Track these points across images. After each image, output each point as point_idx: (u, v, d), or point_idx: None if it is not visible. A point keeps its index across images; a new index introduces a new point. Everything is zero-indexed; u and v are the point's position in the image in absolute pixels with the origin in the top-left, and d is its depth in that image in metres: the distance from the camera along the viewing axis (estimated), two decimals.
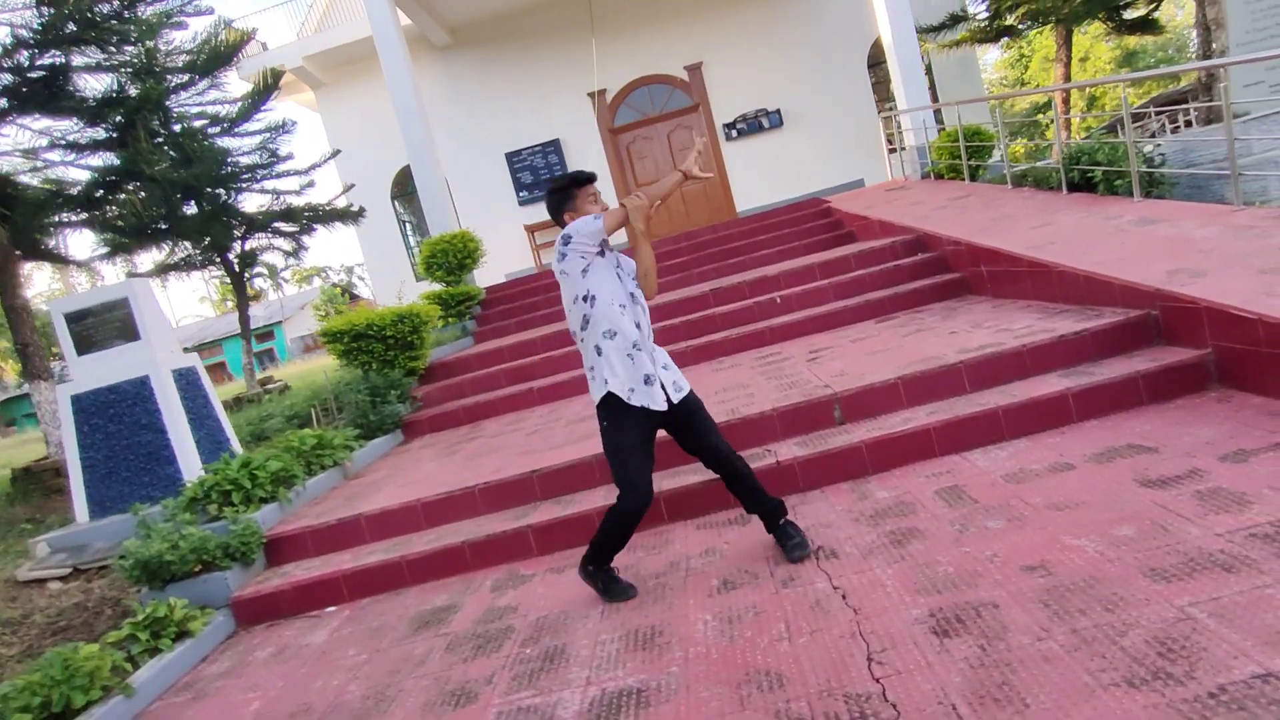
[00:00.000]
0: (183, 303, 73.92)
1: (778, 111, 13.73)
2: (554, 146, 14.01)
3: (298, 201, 9.24)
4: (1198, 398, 3.57)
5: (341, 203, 10.25)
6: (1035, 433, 3.65)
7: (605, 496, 3.92)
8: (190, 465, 5.14)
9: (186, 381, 5.44)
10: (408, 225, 14.99)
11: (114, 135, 6.84)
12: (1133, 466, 3.04)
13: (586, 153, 13.99)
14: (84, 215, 7.00)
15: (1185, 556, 2.32)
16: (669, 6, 13.61)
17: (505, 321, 9.22)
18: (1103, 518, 2.69)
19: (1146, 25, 12.55)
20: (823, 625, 2.48)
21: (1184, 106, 11.45)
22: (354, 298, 40.85)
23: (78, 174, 7.92)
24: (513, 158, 14.09)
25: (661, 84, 13.99)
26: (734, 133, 13.83)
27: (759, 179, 13.80)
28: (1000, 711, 1.87)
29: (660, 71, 13.89)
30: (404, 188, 14.36)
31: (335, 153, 10.88)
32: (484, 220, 13.36)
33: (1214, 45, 6.88)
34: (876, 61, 13.25)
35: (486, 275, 11.78)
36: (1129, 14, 12.04)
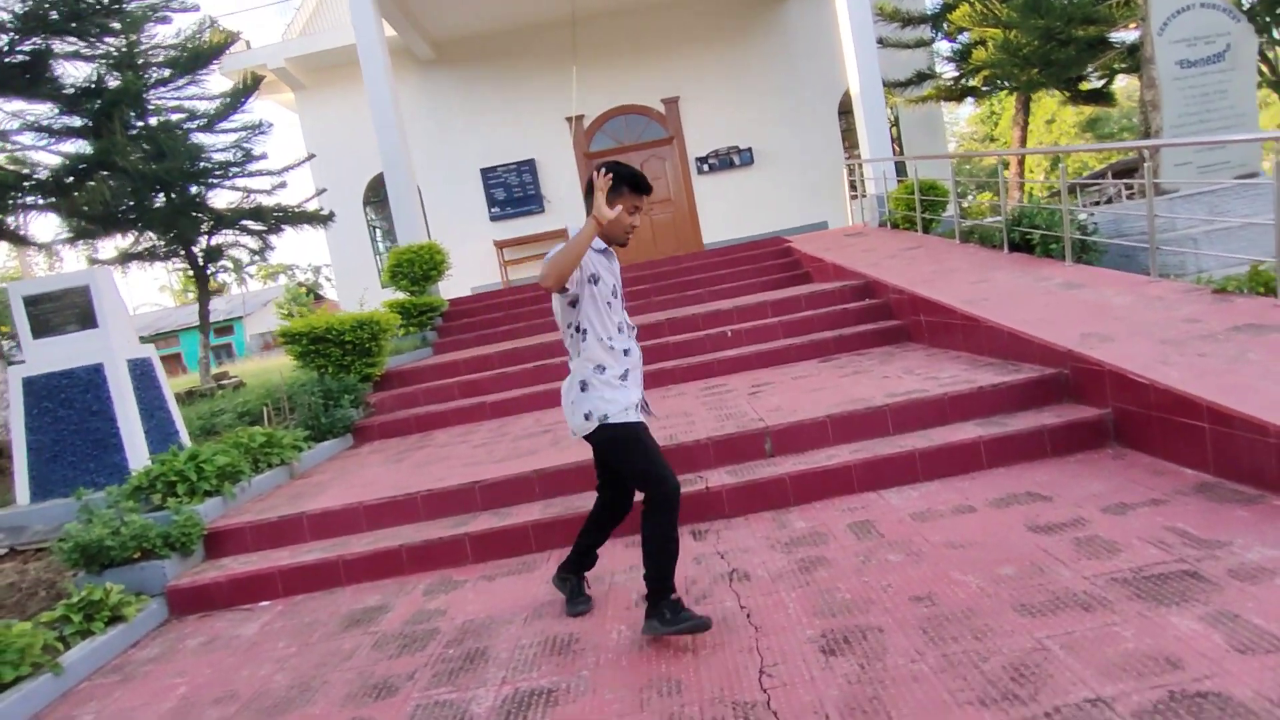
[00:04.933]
0: (142, 290, 72.42)
1: (749, 150, 14.16)
2: (529, 166, 14.25)
3: (268, 201, 9.31)
4: (1095, 453, 3.87)
5: (313, 205, 10.32)
6: (947, 476, 3.92)
7: (542, 510, 4.09)
8: (138, 455, 5.18)
9: (141, 372, 5.49)
10: (378, 231, 15.06)
11: (89, 124, 6.89)
12: (1026, 513, 3.30)
13: (561, 175, 14.26)
14: (51, 199, 7.00)
15: (1053, 595, 2.57)
16: (651, 40, 14.01)
17: (465, 335, 9.35)
18: (990, 557, 2.94)
19: (1100, 97, 13.25)
20: (725, 640, 2.67)
21: (1135, 179, 12.08)
22: (319, 298, 40.42)
23: (47, 158, 7.92)
24: (487, 174, 14.29)
25: (638, 114, 14.35)
26: (706, 167, 14.21)
27: (727, 214, 14.19)
28: None
29: (638, 102, 14.26)
30: (377, 194, 14.45)
31: (310, 156, 10.98)
32: (454, 233, 13.53)
33: (1151, 125, 7.36)
34: (846, 110, 13.76)
35: (452, 287, 11.91)
36: (1085, 85, 12.71)
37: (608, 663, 2.67)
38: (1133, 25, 10.11)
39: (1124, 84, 19.78)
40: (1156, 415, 3.64)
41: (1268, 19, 10.75)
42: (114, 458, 5.21)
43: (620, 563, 3.59)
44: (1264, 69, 12.44)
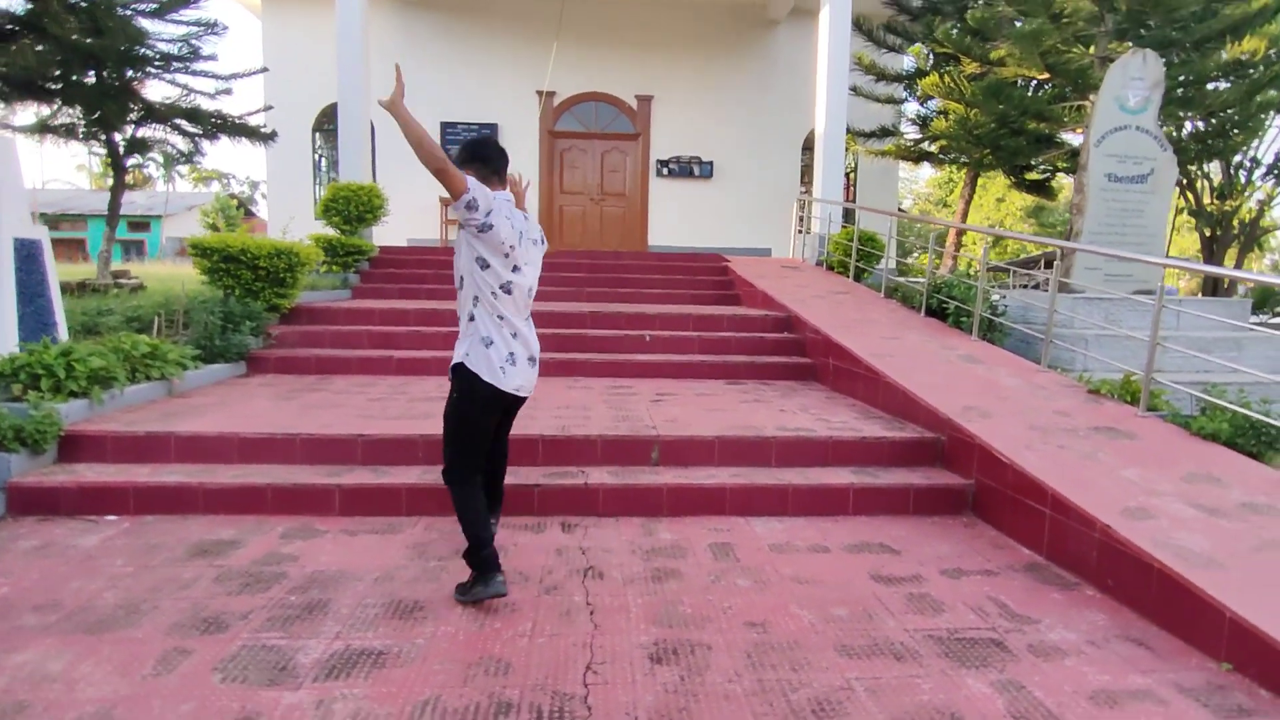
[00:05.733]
0: (58, 165, 67.43)
1: (710, 163, 14.34)
2: (491, 130, 14.02)
3: (208, 104, 8.89)
4: (950, 519, 4.12)
5: (257, 120, 9.91)
6: (813, 515, 4.10)
7: (420, 475, 4.07)
8: (6, 339, 4.87)
9: (27, 253, 5.17)
10: (322, 161, 14.57)
11: None
12: (874, 562, 3.50)
13: (521, 146, 14.09)
14: None
15: (873, 641, 2.74)
16: (636, 34, 14.02)
17: (388, 285, 9.17)
18: (829, 596, 3.11)
19: (1042, 188, 13.99)
20: (563, 632, 2.74)
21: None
22: (250, 214, 38.72)
23: None
24: (447, 128, 14.01)
25: (609, 104, 14.33)
26: (665, 170, 14.32)
27: (676, 220, 14.34)
28: None
29: (611, 92, 14.24)
30: (328, 123, 13.97)
31: (262, 69, 10.52)
32: (400, 180, 13.16)
33: (1074, 227, 7.84)
34: (809, 146, 14.10)
35: (387, 235, 11.63)
36: (1030, 175, 13.40)
37: (445, 635, 2.70)
38: (1079, 130, 10.72)
39: (1068, 180, 20.91)
40: (1009, 494, 3.91)
41: (1198, 149, 11.56)
42: None
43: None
44: (1189, 196, 13.39)
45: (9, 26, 6.45)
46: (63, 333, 5.37)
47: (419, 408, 5.09)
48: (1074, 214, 7.83)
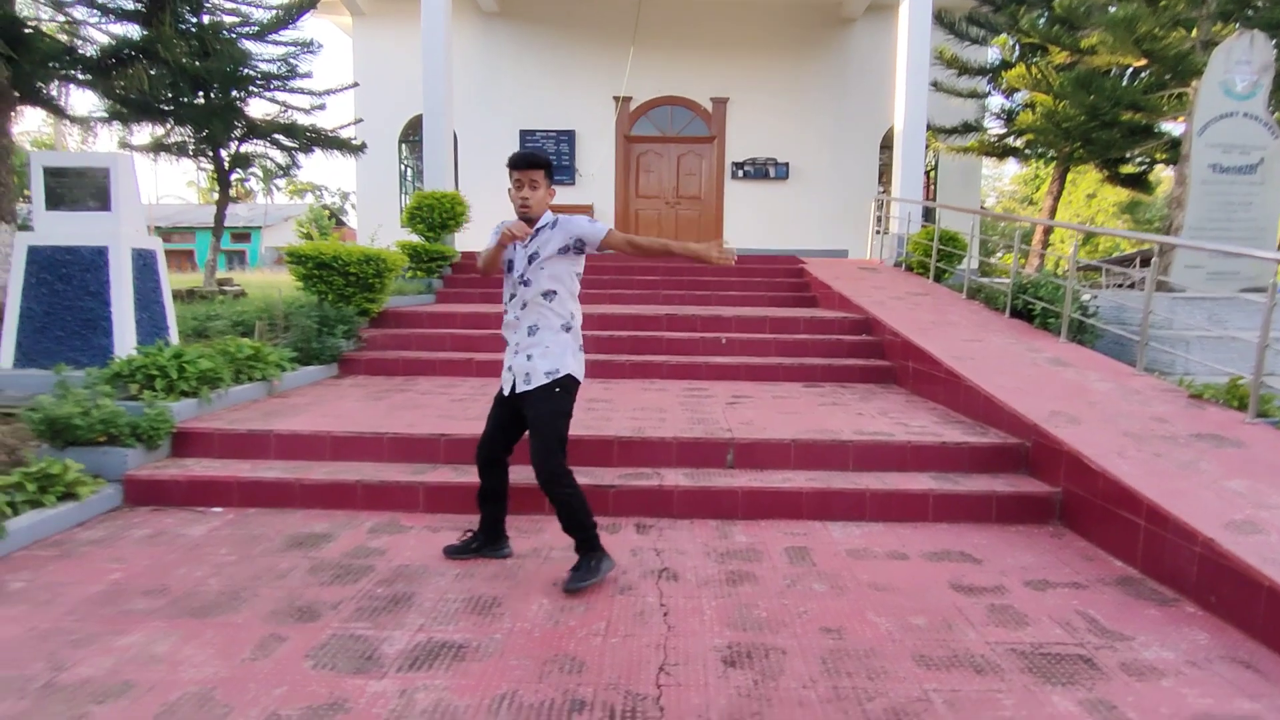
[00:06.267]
0: (171, 182, 72.38)
1: (786, 165, 14.19)
2: (568, 136, 14.28)
3: (304, 119, 9.37)
4: (1036, 528, 3.97)
5: (348, 133, 10.38)
6: (891, 520, 4.02)
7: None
8: (125, 342, 5.28)
9: (144, 263, 5.59)
10: (408, 171, 15.12)
11: (141, 10, 6.92)
12: (955, 571, 3.40)
13: (597, 151, 14.30)
14: (91, 77, 7.06)
15: (952, 652, 2.67)
16: (711, 37, 14.01)
17: (470, 289, 9.44)
18: (908, 605, 3.04)
19: (1139, 182, 13.26)
20: (636, 632, 2.78)
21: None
22: (340, 224, 40.49)
23: (97, 35, 7.96)
24: (526, 136, 14.32)
25: (685, 108, 14.36)
26: (740, 173, 14.25)
27: (751, 223, 14.24)
28: None
29: (687, 96, 14.27)
30: (414, 134, 14.49)
31: (354, 84, 11.03)
32: (482, 187, 13.55)
33: (1174, 222, 7.41)
34: (887, 145, 13.78)
35: (469, 240, 11.97)
36: (1125, 169, 12.72)
37: (522, 631, 2.78)
38: (1180, 119, 10.12)
39: (1169, 173, 19.74)
40: (1100, 503, 3.73)
41: None
42: (101, 340, 5.31)
43: (562, 541, 3.68)
44: None
45: (126, 52, 7.00)
46: (174, 336, 5.76)
47: None
48: (1174, 208, 7.40)
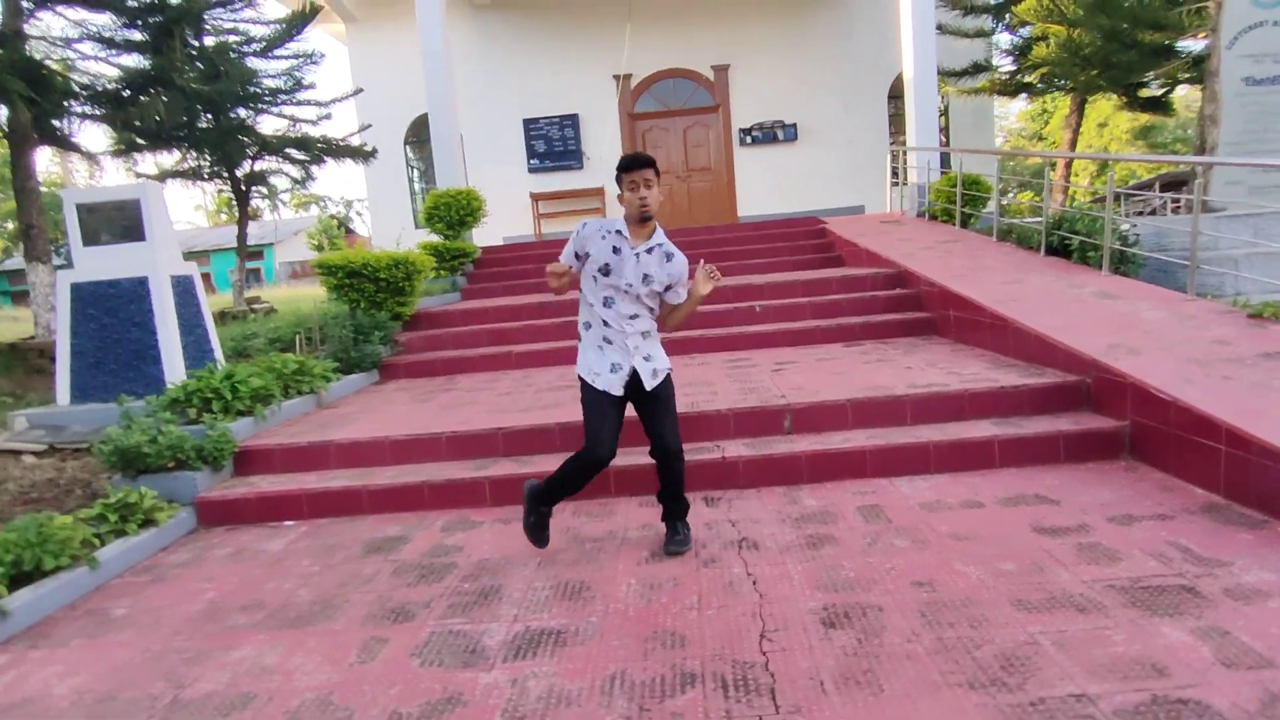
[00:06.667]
0: (177, 208, 72.97)
1: (794, 126, 14.01)
2: (572, 121, 14.20)
3: (313, 131, 9.39)
4: (1108, 464, 3.92)
5: (356, 140, 10.38)
6: (958, 470, 3.99)
7: (560, 462, 4.19)
8: (174, 369, 5.36)
9: (183, 288, 5.65)
10: (415, 172, 15.12)
11: (148, 39, 6.96)
12: (1033, 514, 3.38)
13: (603, 133, 14.20)
14: (104, 111, 7.12)
15: (1049, 594, 2.66)
16: (706, 4, 13.81)
17: (494, 284, 9.46)
18: (993, 552, 3.02)
19: (1159, 105, 12.95)
20: (730, 603, 2.79)
21: (1179, 194, 11.86)
22: (349, 232, 40.67)
23: (105, 69, 8.00)
24: (530, 124, 14.26)
25: (686, 79, 14.21)
26: (749, 139, 14.10)
27: (764, 188, 14.11)
28: (859, 692, 2.19)
29: (687, 66, 14.11)
30: (418, 135, 14.49)
31: (358, 91, 11.01)
32: (492, 180, 13.54)
33: (1207, 140, 7.23)
34: (896, 95, 13.56)
35: (485, 235, 11.98)
36: (1144, 92, 12.42)
37: (616, 612, 2.80)
38: (1201, 35, 9.84)
39: (1183, 94, 19.26)
40: (1174, 432, 3.68)
41: None
42: (152, 369, 5.39)
43: (634, 520, 3.72)
44: None
45: (140, 82, 7.03)
46: (220, 358, 5.83)
47: (547, 398, 5.25)
48: (1206, 125, 7.22)
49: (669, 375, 3.33)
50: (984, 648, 2.36)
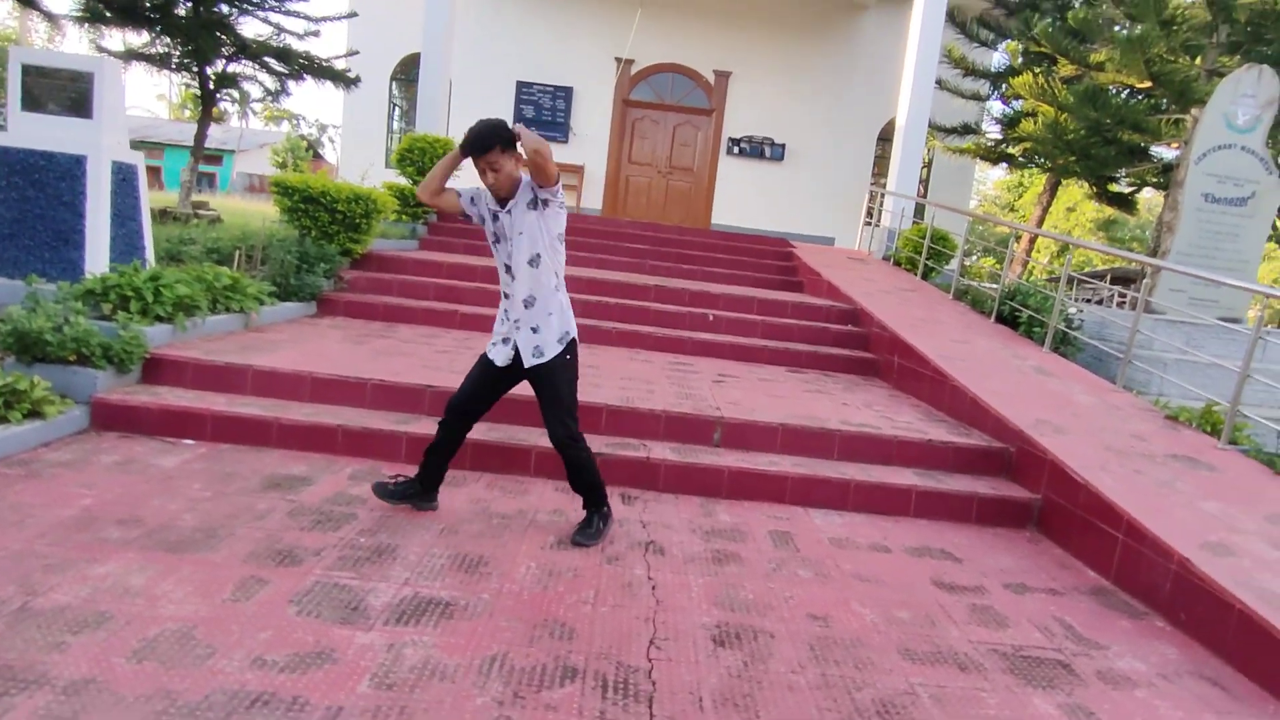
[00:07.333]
0: (138, 93, 69.20)
1: (783, 146, 14.10)
2: (565, 93, 13.99)
3: (297, 45, 8.99)
4: (1014, 532, 4.03)
5: (341, 64, 10.00)
6: (873, 513, 4.04)
7: (486, 432, 4.11)
8: (97, 258, 5.05)
9: (123, 177, 5.33)
10: (397, 110, 14.69)
11: None
12: (936, 567, 3.44)
13: (594, 111, 14.04)
14: None
15: (936, 648, 2.70)
16: (719, 8, 13.76)
17: (455, 239, 9.23)
18: (892, 598, 3.07)
19: (1125, 202, 13.46)
20: (625, 603, 2.76)
21: (1126, 289, 12.35)
22: (317, 156, 39.35)
23: None
24: (523, 87, 13.99)
25: (686, 77, 14.14)
26: (736, 149, 14.12)
27: (742, 201, 14.16)
28: (735, 714, 2.18)
29: (690, 65, 14.04)
30: (406, 73, 14.07)
31: (352, 14, 10.61)
32: None
33: (1161, 245, 7.53)
34: (884, 138, 13.76)
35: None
36: (1113, 187, 12.90)
37: (510, 593, 2.74)
38: (1174, 145, 10.26)
39: (1148, 196, 20.07)
40: (1080, 514, 3.80)
41: None
42: (71, 254, 5.08)
43: (547, 504, 3.65)
44: None
45: None
46: (150, 258, 5.53)
47: None
48: (1163, 231, 7.52)
49: (562, 361, 3.13)
50: (864, 690, 2.38)
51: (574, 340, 3.22)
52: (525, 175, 3.10)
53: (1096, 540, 3.65)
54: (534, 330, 3.12)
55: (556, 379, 3.15)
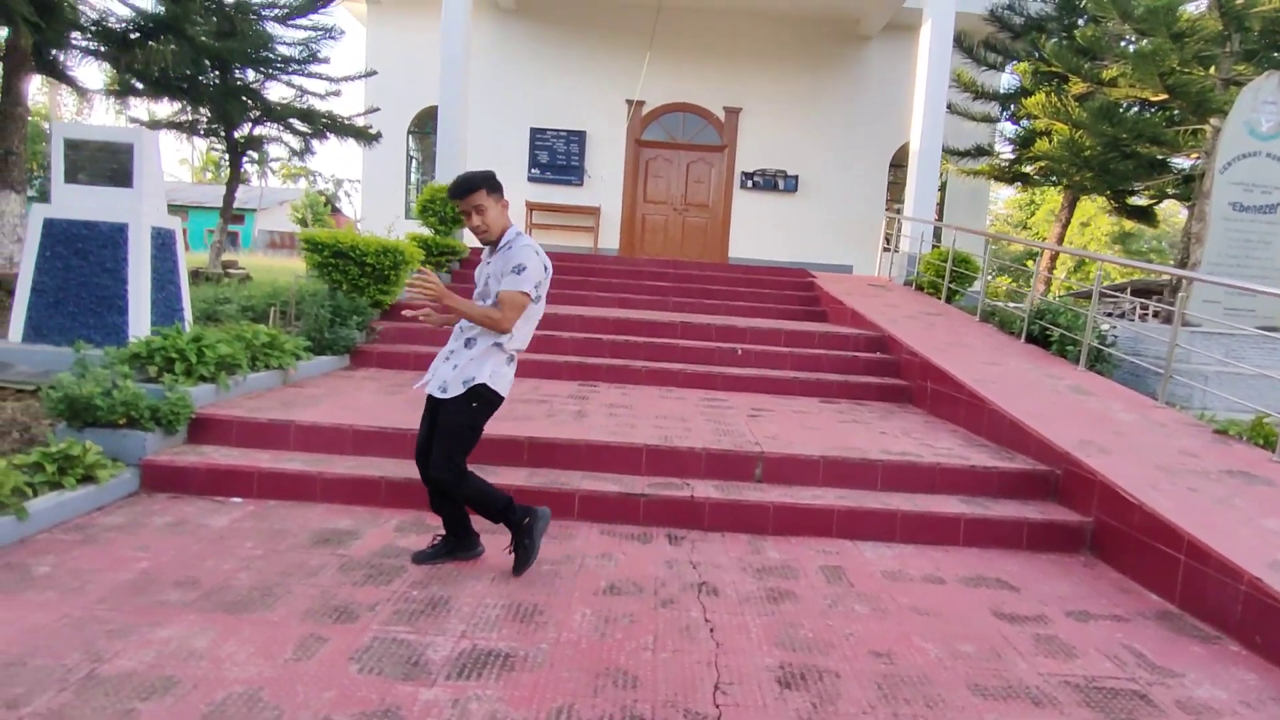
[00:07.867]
0: (162, 158, 70.91)
1: (795, 177, 14.20)
2: (579, 137, 14.22)
3: (320, 105, 9.26)
4: (1067, 556, 3.95)
5: (361, 121, 10.26)
6: (923, 543, 3.98)
7: (527, 478, 4.12)
8: (140, 322, 5.16)
9: (162, 242, 5.47)
10: (414, 162, 14.99)
11: None
12: (993, 597, 3.37)
13: (607, 154, 14.25)
14: (109, 49, 6.92)
15: (1006, 682, 2.63)
16: (727, 45, 14.00)
17: None
18: (953, 631, 3.00)
19: (1145, 215, 13.38)
20: (685, 648, 2.72)
21: (1148, 301, 12.22)
22: (336, 210, 40.20)
23: (114, 6, 7.79)
24: (536, 134, 14.25)
25: (697, 115, 14.34)
26: (750, 183, 14.24)
27: (758, 234, 14.24)
28: None
29: (700, 103, 14.25)
30: (422, 126, 14.39)
31: (371, 73, 10.90)
32: None
33: (1190, 257, 7.46)
34: (899, 163, 13.83)
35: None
36: (1132, 200, 12.83)
37: (568, 642, 2.71)
38: (1194, 155, 10.21)
39: (1164, 207, 19.94)
40: (1136, 536, 3.72)
41: None
42: (115, 319, 5.20)
43: (594, 548, 3.63)
44: None
45: (150, 26, 6.86)
46: (189, 319, 5.64)
47: (517, 409, 5.14)
48: (1192, 243, 7.46)
49: (463, 406, 3.07)
50: None
51: (485, 393, 3.09)
52: (514, 244, 3.14)
53: (1156, 562, 3.56)
54: (453, 367, 3.14)
55: (451, 419, 3.10)
